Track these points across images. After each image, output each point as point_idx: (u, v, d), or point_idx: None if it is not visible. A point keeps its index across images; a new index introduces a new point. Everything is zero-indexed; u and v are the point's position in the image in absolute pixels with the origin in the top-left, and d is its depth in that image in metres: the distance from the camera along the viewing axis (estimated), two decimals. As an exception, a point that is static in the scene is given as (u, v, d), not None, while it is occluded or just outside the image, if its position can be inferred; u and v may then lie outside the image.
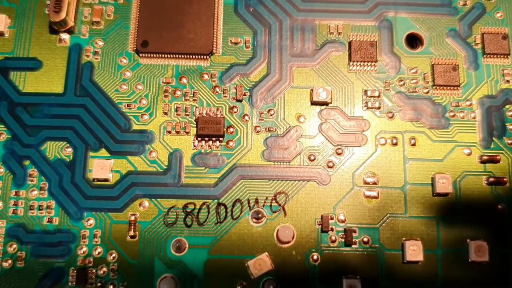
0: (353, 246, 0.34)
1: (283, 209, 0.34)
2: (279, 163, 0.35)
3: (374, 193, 0.35)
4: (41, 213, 0.34)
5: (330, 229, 0.34)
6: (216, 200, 0.35)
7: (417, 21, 0.38)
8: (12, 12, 0.38)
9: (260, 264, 0.33)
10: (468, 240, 0.34)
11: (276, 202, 0.34)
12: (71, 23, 0.37)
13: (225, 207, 0.34)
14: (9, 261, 0.34)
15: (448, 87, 0.36)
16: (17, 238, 0.34)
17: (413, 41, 0.38)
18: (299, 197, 0.35)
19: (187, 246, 0.34)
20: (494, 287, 0.34)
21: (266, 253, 0.34)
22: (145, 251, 0.34)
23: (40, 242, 0.34)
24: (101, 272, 0.33)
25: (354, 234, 0.34)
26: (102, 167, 0.35)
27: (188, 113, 0.36)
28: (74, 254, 0.34)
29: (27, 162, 0.35)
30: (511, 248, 0.34)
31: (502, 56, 0.37)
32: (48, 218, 0.34)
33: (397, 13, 0.38)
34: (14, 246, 0.34)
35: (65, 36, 0.37)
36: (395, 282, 0.33)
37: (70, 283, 0.33)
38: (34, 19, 0.37)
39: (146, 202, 0.34)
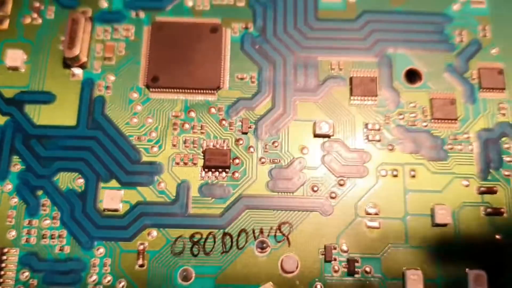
0: (356, 275, 0.35)
1: (287, 239, 0.35)
2: (283, 193, 0.36)
3: (375, 224, 0.36)
4: (53, 242, 0.35)
5: (333, 259, 0.35)
6: (222, 230, 0.36)
7: (415, 57, 0.39)
8: (28, 48, 0.39)
9: (266, 291, 0.34)
10: (467, 270, 0.35)
11: (281, 232, 0.36)
12: (84, 58, 0.39)
13: (231, 237, 0.35)
14: (21, 290, 0.35)
15: (446, 121, 0.37)
16: (29, 266, 0.35)
17: (412, 76, 0.39)
18: (303, 227, 0.36)
19: (193, 275, 0.35)
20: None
21: (271, 283, 0.35)
22: (153, 280, 0.35)
23: (52, 270, 0.35)
24: (111, 300, 0.34)
25: (356, 264, 0.35)
26: (113, 198, 0.36)
27: (196, 145, 0.37)
28: (84, 282, 0.35)
29: (40, 192, 0.36)
30: (509, 278, 0.35)
31: (498, 90, 0.38)
32: (60, 247, 0.35)
33: (396, 50, 0.39)
34: (27, 274, 0.35)
35: (78, 71, 0.39)
36: (396, 311, 0.34)
37: (80, 311, 0.34)
38: (48, 54, 0.39)
39: (154, 232, 0.36)
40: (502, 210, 0.36)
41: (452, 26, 0.40)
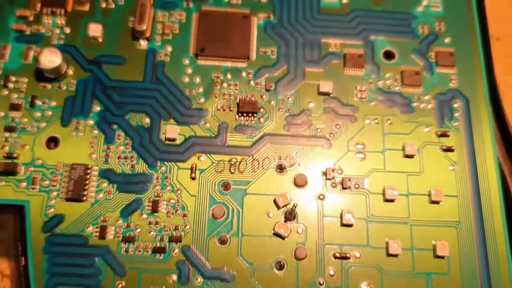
0: (348, 189, 0.48)
1: (299, 164, 0.49)
2: (295, 133, 0.50)
3: (362, 155, 0.49)
4: (126, 161, 0.47)
5: (332, 177, 0.48)
6: (251, 156, 0.48)
7: (391, 42, 0.54)
8: (104, 25, 0.52)
9: (283, 198, 0.47)
10: (429, 189, 0.48)
11: (294, 159, 0.49)
12: (148, 34, 0.52)
13: (258, 161, 0.48)
14: (101, 194, 0.47)
15: (413, 86, 0.51)
16: (107, 178, 0.47)
17: (388, 55, 0.53)
18: (310, 156, 0.49)
19: (231, 186, 0.47)
20: (445, 223, 0.47)
21: (286, 193, 0.47)
22: (201, 189, 0.47)
23: (125, 181, 0.47)
24: (170, 202, 0.47)
25: (348, 181, 0.48)
26: (173, 131, 0.48)
27: (232, 97, 0.50)
28: (150, 190, 0.47)
29: (115, 127, 0.48)
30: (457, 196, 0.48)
31: (449, 67, 0.53)
32: (131, 165, 0.47)
33: (377, 37, 0.54)
34: (105, 184, 0.47)
35: (144, 43, 0.52)
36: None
37: (146, 210, 0.46)
38: (120, 30, 0.52)
39: (202, 157, 0.48)
40: (452, 147, 0.50)
41: (417, 22, 0.55)
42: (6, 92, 0.49)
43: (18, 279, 0.44)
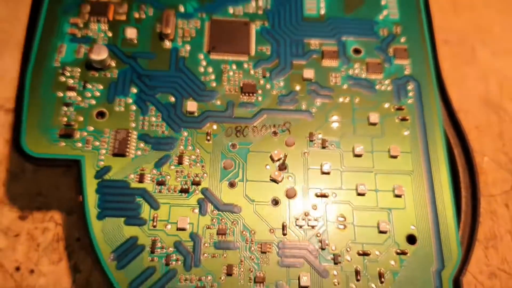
0: (326, 148, 0.63)
1: (288, 130, 0.64)
2: (286, 108, 0.65)
3: (336, 117, 0.64)
4: (157, 128, 0.62)
5: (314, 139, 0.63)
6: (252, 125, 0.64)
7: (358, 42, 0.70)
8: (139, 29, 0.68)
9: (277, 153, 0.62)
10: (389, 146, 0.63)
11: (285, 126, 0.64)
12: (172, 36, 0.68)
13: (257, 128, 0.63)
14: (139, 152, 0.61)
15: (375, 73, 0.67)
16: (144, 140, 0.61)
17: (357, 51, 0.69)
18: (298, 123, 0.64)
19: (238, 146, 0.62)
20: (401, 172, 0.62)
21: (279, 150, 0.62)
22: (215, 148, 0.62)
23: (157, 142, 0.61)
24: (193, 157, 0.61)
25: (326, 142, 0.63)
26: (192, 106, 0.64)
27: (237, 82, 0.66)
28: (176, 149, 0.61)
29: (148, 103, 0.64)
30: (410, 152, 0.63)
31: (404, 59, 0.69)
32: (162, 131, 0.62)
33: (347, 38, 0.70)
34: (142, 144, 0.61)
35: (168, 43, 0.68)
36: (349, 166, 0.62)
37: (174, 163, 0.61)
38: (151, 33, 0.68)
39: (215, 125, 0.63)
40: (407, 117, 0.65)
41: (379, 26, 0.71)
42: (63, 78, 0.64)
43: (80, 211, 0.58)
